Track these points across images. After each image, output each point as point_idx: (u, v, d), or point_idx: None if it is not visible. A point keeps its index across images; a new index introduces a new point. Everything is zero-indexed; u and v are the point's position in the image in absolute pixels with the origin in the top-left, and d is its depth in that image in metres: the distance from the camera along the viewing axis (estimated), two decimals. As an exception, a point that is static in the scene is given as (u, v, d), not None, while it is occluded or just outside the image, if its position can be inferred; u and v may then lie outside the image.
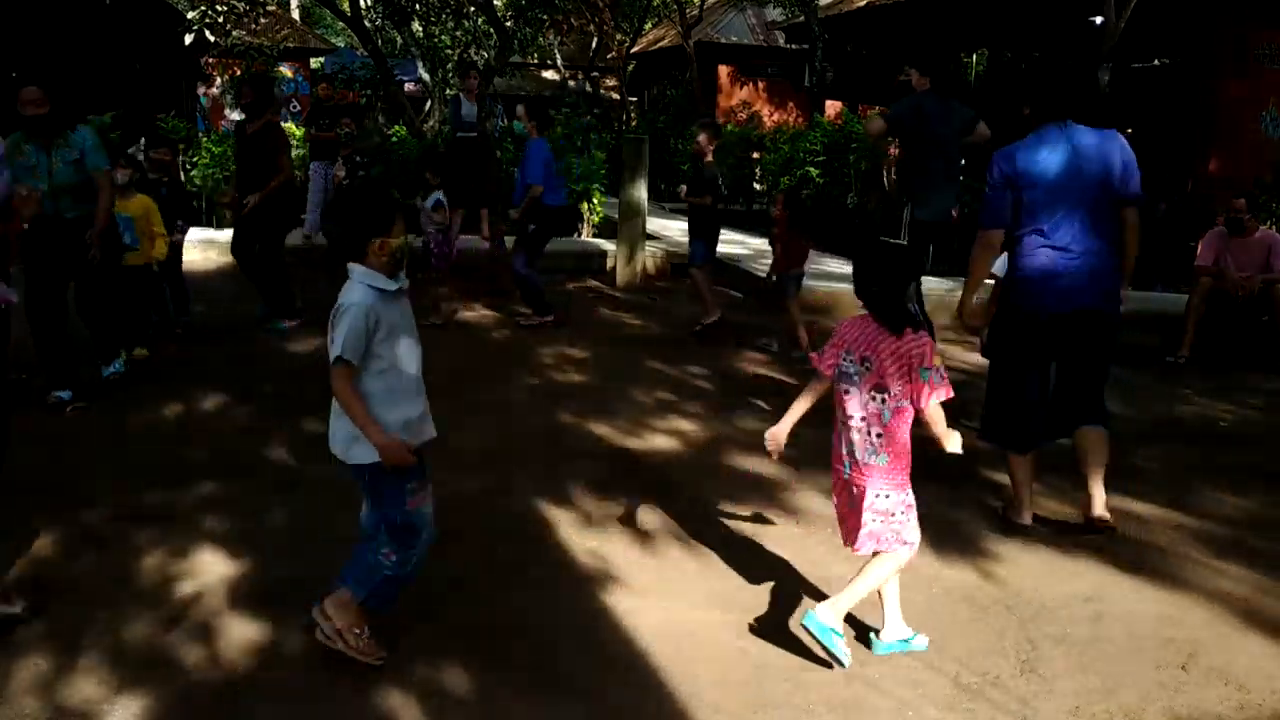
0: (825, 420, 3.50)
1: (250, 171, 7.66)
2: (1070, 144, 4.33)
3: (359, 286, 3.06)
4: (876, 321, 3.26)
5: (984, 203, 4.49)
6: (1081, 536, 4.40)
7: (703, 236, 8.08)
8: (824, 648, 3.21)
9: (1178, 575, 4.10)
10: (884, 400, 3.23)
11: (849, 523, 3.35)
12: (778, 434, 3.53)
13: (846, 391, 3.30)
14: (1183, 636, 3.62)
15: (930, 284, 6.57)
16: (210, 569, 3.86)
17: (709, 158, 8.01)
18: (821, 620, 3.20)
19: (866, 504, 3.25)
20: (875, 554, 3.30)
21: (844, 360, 3.31)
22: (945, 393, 3.22)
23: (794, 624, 3.59)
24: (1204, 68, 12.84)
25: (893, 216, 6.41)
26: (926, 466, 4.86)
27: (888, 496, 3.27)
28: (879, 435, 3.25)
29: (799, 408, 3.50)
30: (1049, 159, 4.31)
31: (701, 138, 8.05)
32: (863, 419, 3.27)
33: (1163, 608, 3.83)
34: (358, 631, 3.18)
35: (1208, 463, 5.46)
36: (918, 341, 3.21)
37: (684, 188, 8.27)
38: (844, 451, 3.32)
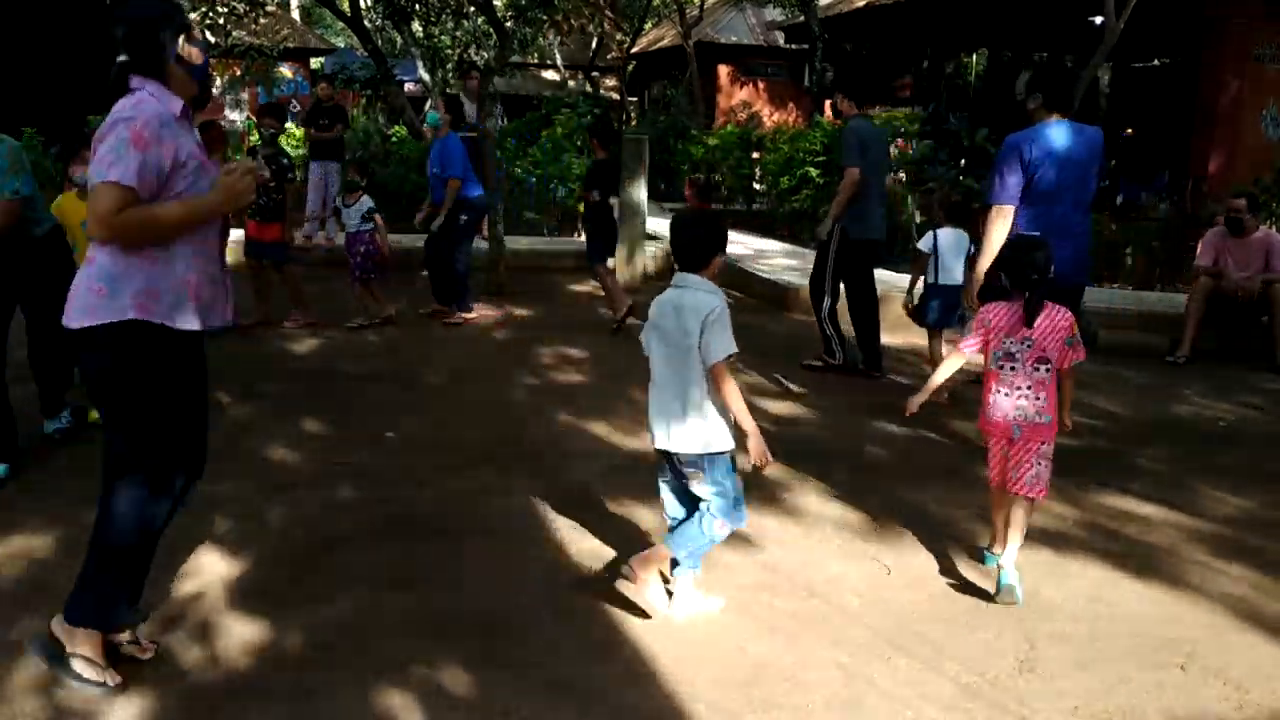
0: (825, 423, 3.50)
1: None
2: (1071, 134, 4.98)
3: (713, 293, 3.51)
4: (1025, 305, 3.78)
5: (1000, 182, 5.01)
6: (1077, 534, 4.41)
7: (600, 234, 8.27)
8: (1013, 597, 3.71)
9: (1177, 575, 4.10)
10: (1046, 370, 3.80)
11: (1021, 472, 3.82)
12: (914, 403, 3.99)
13: (1011, 368, 3.82)
14: (1182, 636, 3.62)
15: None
16: (210, 568, 3.86)
17: (601, 154, 8.38)
18: (1009, 574, 3.76)
19: (1040, 454, 3.81)
20: (1029, 501, 3.81)
21: (1006, 342, 3.82)
22: (1082, 354, 3.86)
23: (793, 623, 3.59)
24: (1203, 67, 12.85)
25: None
26: (926, 465, 4.88)
27: (1049, 446, 3.84)
28: (1044, 399, 3.78)
29: (938, 382, 4.10)
30: (1058, 146, 4.95)
31: (594, 141, 8.56)
32: (1029, 387, 3.80)
33: (1162, 608, 3.83)
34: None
35: (1207, 463, 5.46)
36: (1064, 315, 3.81)
37: (591, 194, 8.42)
38: (1009, 418, 3.82)
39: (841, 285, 6.96)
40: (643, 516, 4.49)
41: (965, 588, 3.93)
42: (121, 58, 2.93)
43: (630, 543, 4.22)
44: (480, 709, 3.06)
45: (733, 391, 3.45)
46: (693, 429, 3.49)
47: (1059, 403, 3.83)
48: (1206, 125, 12.57)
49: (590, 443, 5.45)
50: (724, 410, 3.50)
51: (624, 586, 3.61)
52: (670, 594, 3.62)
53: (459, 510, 4.50)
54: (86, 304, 2.93)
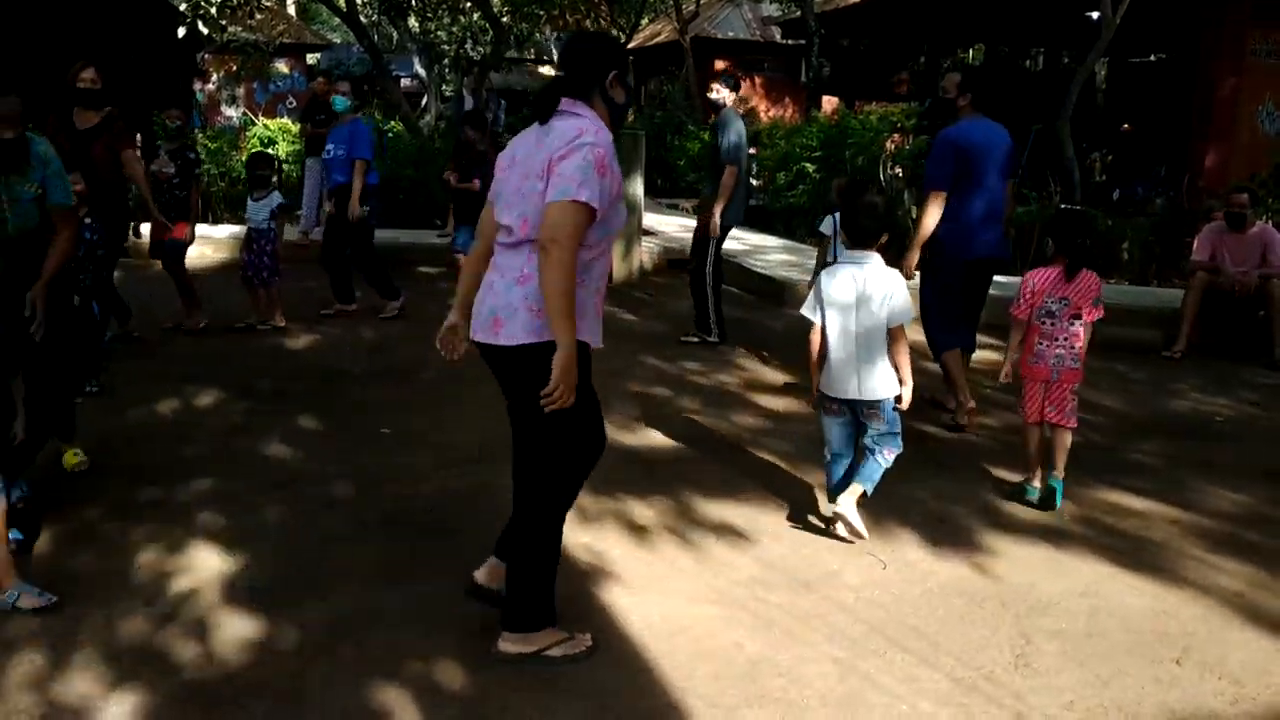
0: (816, 419, 3.50)
1: None
2: (993, 129, 5.72)
3: (890, 269, 4.22)
4: (1062, 271, 4.60)
5: (938, 170, 5.66)
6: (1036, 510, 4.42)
7: (471, 222, 8.18)
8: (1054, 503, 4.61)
9: (1173, 570, 4.10)
10: (1078, 324, 4.61)
11: (1061, 407, 4.65)
12: (1005, 372, 4.77)
13: (1051, 323, 4.63)
14: (1178, 631, 3.62)
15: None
16: (205, 565, 3.86)
17: (480, 147, 8.52)
18: (1061, 489, 4.65)
19: (1073, 390, 4.67)
20: (1068, 430, 4.67)
21: (1047, 301, 4.61)
22: (1102, 311, 4.68)
23: (789, 618, 3.59)
24: (1200, 63, 12.84)
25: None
26: (922, 461, 4.88)
27: (1078, 385, 4.70)
28: (1076, 348, 4.62)
29: (1014, 346, 4.79)
30: (985, 139, 5.66)
31: (469, 130, 8.64)
32: (1065, 339, 4.61)
33: (1158, 602, 3.83)
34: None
35: (1204, 458, 5.46)
36: (1091, 279, 4.62)
37: (452, 174, 8.52)
38: (1050, 364, 4.62)
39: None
40: (640, 511, 4.49)
41: (962, 583, 3.93)
42: (557, 74, 3.11)
43: (627, 538, 4.23)
44: (476, 705, 3.05)
45: (905, 348, 4.20)
46: (880, 379, 4.18)
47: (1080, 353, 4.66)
48: (1203, 121, 12.56)
49: (587, 438, 5.44)
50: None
51: (841, 526, 4.21)
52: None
53: (455, 507, 4.49)
54: (528, 323, 3.03)
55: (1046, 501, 4.62)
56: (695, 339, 7.68)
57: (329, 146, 8.15)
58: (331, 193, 8.23)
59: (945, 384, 5.97)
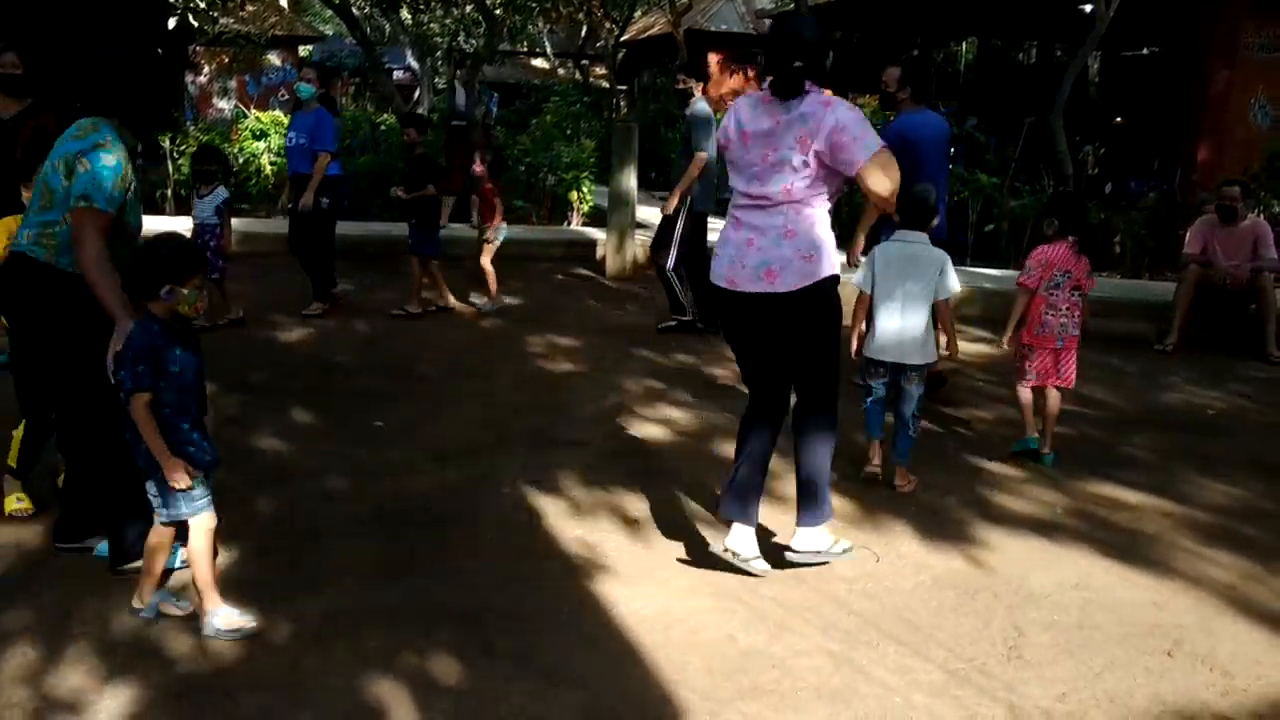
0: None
1: None
2: (936, 120, 6.09)
3: (936, 247, 4.77)
4: (1071, 247, 5.15)
5: None
6: (1065, 523, 4.43)
7: (428, 227, 8.17)
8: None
9: (1165, 562, 4.12)
10: (1078, 295, 5.15)
11: (1063, 371, 5.19)
12: (1006, 338, 5.28)
13: (1057, 295, 5.13)
14: (1169, 623, 3.64)
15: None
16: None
17: (420, 150, 8.41)
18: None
19: (1074, 354, 5.20)
20: (1061, 391, 5.26)
21: (1055, 274, 5.13)
22: (1095, 283, 5.31)
23: (782, 611, 3.60)
24: (1193, 56, 12.86)
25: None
26: (914, 453, 4.88)
27: (1076, 349, 5.23)
28: (1076, 317, 5.15)
29: (1016, 315, 5.23)
30: (929, 129, 5.97)
31: (412, 131, 8.48)
32: (1067, 308, 5.13)
33: (1149, 594, 3.85)
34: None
35: (1196, 451, 5.48)
36: (1087, 259, 5.20)
37: (399, 190, 8.28)
38: (1054, 332, 5.13)
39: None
40: (633, 504, 4.49)
41: (954, 575, 3.95)
42: (798, 63, 3.58)
43: (620, 531, 4.23)
44: (470, 698, 3.06)
45: (949, 318, 4.86)
46: (926, 346, 4.70)
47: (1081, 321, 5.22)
48: (1196, 114, 12.58)
49: (580, 431, 5.45)
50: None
51: (903, 488, 4.71)
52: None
53: (449, 500, 4.49)
54: (802, 269, 3.64)
55: (1035, 456, 5.17)
56: (673, 323, 7.78)
57: (290, 134, 7.96)
58: (289, 181, 8.05)
59: None
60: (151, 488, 3.31)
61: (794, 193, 3.64)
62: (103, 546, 3.75)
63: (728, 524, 3.87)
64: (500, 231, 8.38)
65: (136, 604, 3.42)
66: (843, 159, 3.58)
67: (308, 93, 7.83)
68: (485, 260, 8.35)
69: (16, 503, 4.12)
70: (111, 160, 3.45)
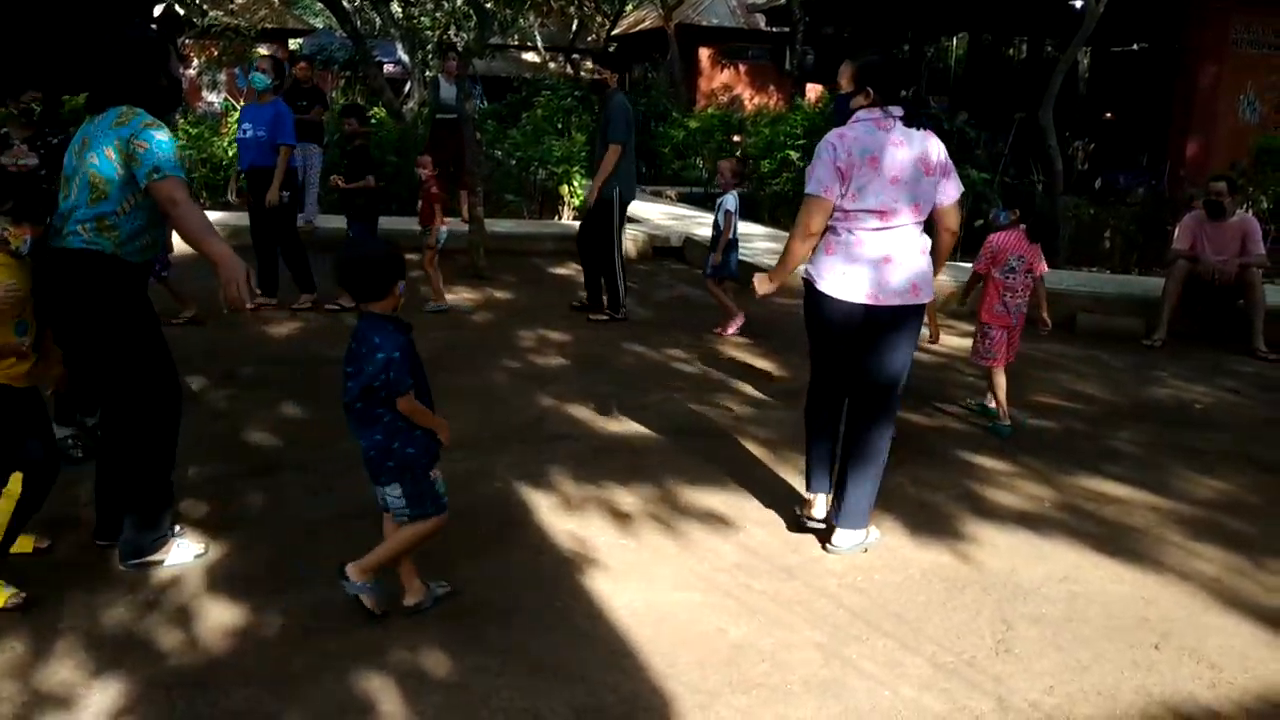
0: (801, 405, 3.51)
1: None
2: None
3: None
4: (1027, 235, 5.65)
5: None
6: (1052, 515, 4.45)
7: (366, 220, 8.17)
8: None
9: (1152, 556, 4.14)
10: (1031, 278, 5.64)
11: (1011, 349, 5.70)
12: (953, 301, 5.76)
13: (1012, 278, 5.60)
14: (1157, 616, 3.66)
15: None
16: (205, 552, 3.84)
17: (360, 141, 8.41)
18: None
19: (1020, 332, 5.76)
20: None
21: (1010, 259, 5.58)
22: (1046, 266, 5.77)
23: (772, 604, 3.61)
24: (1182, 52, 12.91)
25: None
26: (903, 447, 4.90)
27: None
28: (1027, 297, 5.67)
29: (967, 295, 6.00)
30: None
31: (352, 121, 8.46)
32: (1023, 290, 5.63)
33: (1137, 588, 3.87)
34: None
35: (1184, 445, 5.51)
36: (1039, 246, 5.69)
37: (338, 179, 8.28)
38: (1011, 311, 5.61)
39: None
40: (624, 498, 4.50)
41: (943, 569, 3.96)
42: (904, 92, 4.01)
43: (611, 525, 4.24)
44: (461, 692, 3.06)
45: (933, 309, 4.77)
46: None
47: (1039, 303, 5.77)
48: (1185, 110, 12.63)
49: (572, 425, 5.45)
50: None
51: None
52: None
53: (439, 493, 4.48)
54: (929, 284, 4.04)
55: (992, 426, 5.63)
56: (604, 317, 7.94)
57: (245, 125, 7.72)
58: (241, 174, 7.84)
59: None
60: (396, 490, 3.38)
61: (923, 213, 4.00)
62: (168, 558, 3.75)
63: (816, 496, 4.21)
64: (442, 234, 8.18)
65: (411, 600, 3.49)
66: (945, 190, 4.01)
67: (262, 83, 7.65)
68: (428, 263, 8.13)
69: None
70: (164, 135, 3.50)
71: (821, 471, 4.22)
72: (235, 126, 12.62)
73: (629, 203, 8.06)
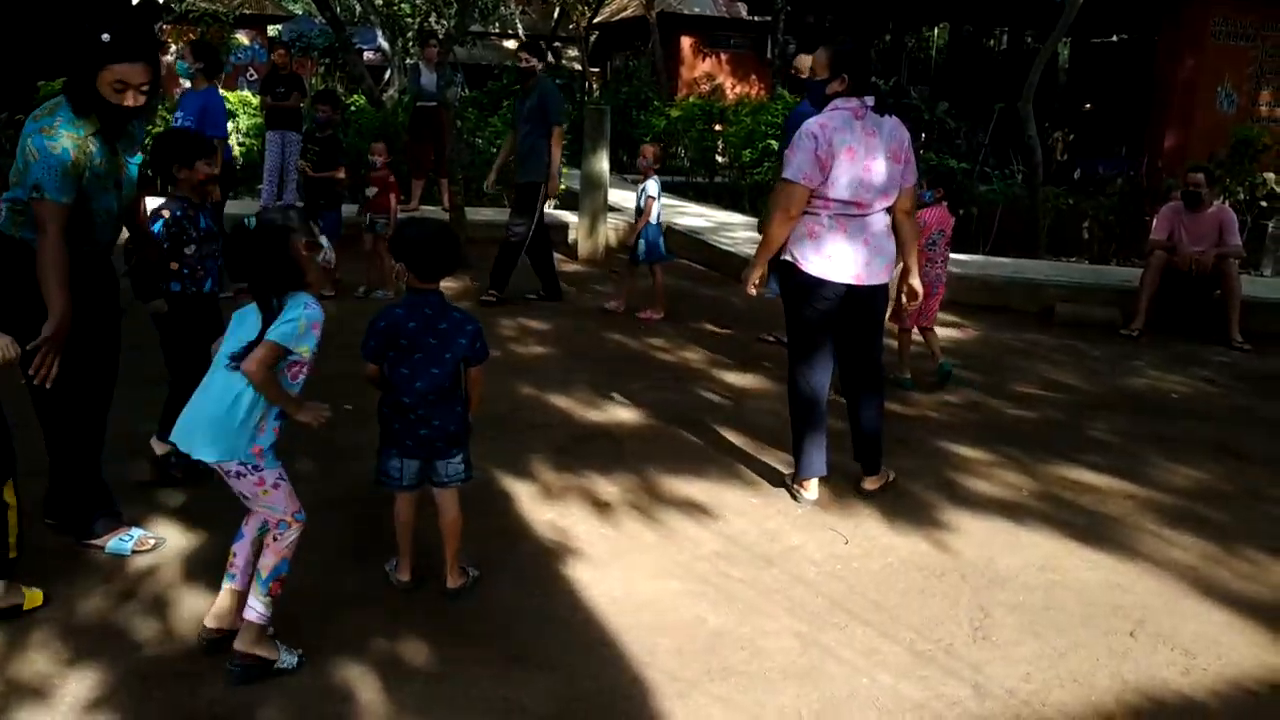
0: (783, 394, 3.51)
1: None
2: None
3: None
4: (948, 210, 6.33)
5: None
6: (1033, 505, 4.48)
7: (334, 208, 8.13)
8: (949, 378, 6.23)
9: (1129, 544, 4.17)
10: (947, 247, 6.33)
11: (930, 315, 6.27)
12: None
13: (933, 251, 6.10)
14: (1132, 604, 3.69)
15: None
16: (165, 541, 3.82)
17: (330, 131, 8.36)
18: (946, 361, 6.37)
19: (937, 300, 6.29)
20: (932, 330, 6.39)
21: (934, 233, 6.11)
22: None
23: (751, 592, 3.62)
24: (1161, 43, 12.96)
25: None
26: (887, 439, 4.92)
27: None
28: (944, 268, 6.35)
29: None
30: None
31: (326, 108, 8.38)
32: (942, 261, 6.26)
33: (1113, 576, 3.90)
34: None
35: (1160, 434, 5.55)
36: (953, 218, 6.37)
37: (305, 165, 8.26)
38: (930, 281, 5.81)
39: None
40: (603, 487, 4.50)
41: (921, 557, 3.98)
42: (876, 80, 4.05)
43: (590, 515, 4.24)
44: (440, 681, 3.06)
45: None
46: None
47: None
48: (1163, 101, 12.69)
49: (551, 415, 5.44)
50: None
51: None
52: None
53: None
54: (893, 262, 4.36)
55: (944, 379, 6.22)
56: (534, 296, 8.11)
57: (177, 114, 7.42)
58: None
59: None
60: (459, 456, 3.52)
61: (889, 199, 4.23)
62: (115, 543, 3.72)
63: (812, 479, 4.41)
64: (377, 223, 8.07)
65: (454, 583, 3.55)
66: (907, 175, 4.25)
67: (184, 70, 7.37)
68: (383, 249, 7.90)
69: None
70: (57, 146, 3.28)
71: (819, 454, 4.38)
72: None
73: (539, 183, 8.14)
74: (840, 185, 4.08)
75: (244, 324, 3.03)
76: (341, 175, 7.99)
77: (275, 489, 3.11)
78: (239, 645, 3.00)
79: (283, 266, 2.98)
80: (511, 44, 29.31)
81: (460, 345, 3.36)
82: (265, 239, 2.98)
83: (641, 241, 7.70)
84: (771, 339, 7.16)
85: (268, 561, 3.07)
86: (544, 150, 7.78)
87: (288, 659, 3.06)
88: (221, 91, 13.00)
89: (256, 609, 3.03)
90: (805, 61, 6.43)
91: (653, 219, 7.65)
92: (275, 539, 3.10)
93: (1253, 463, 5.18)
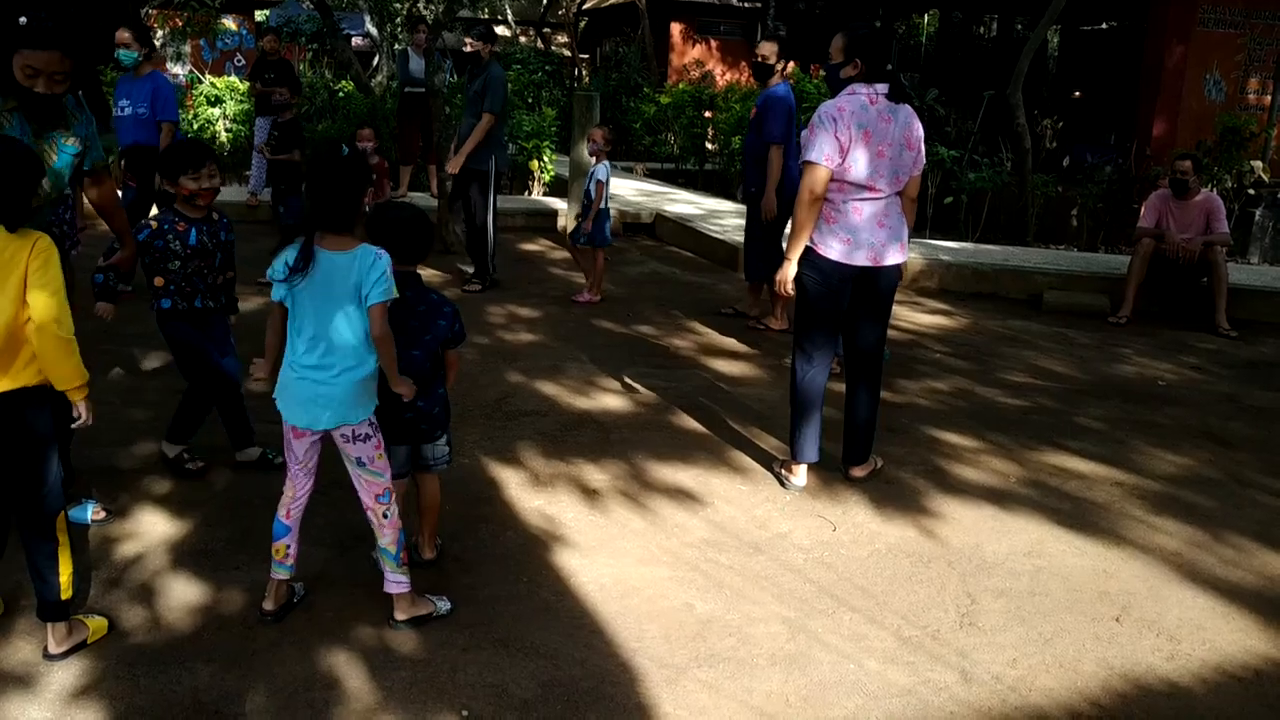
0: (772, 382, 3.51)
1: None
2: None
3: None
4: None
5: (782, 127, 6.68)
6: (1017, 490, 4.50)
7: (297, 193, 8.06)
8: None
9: (1115, 531, 4.19)
10: None
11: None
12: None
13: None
14: (1118, 590, 3.71)
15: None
16: (152, 530, 3.82)
17: (290, 114, 8.38)
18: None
19: None
20: None
21: None
22: None
23: (739, 579, 3.63)
24: (1150, 31, 12.96)
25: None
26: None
27: None
28: None
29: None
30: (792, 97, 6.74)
31: (284, 91, 8.40)
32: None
33: (1099, 562, 3.92)
34: None
35: (1147, 421, 5.57)
36: None
37: (263, 148, 8.26)
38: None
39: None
40: (592, 474, 4.50)
41: (909, 544, 3.99)
42: (890, 67, 4.16)
43: (579, 501, 4.24)
44: (427, 667, 3.06)
45: None
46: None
47: None
48: (1152, 88, 12.70)
49: (540, 402, 5.44)
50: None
51: None
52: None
53: (407, 470, 4.46)
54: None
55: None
56: (478, 287, 8.00)
57: (122, 102, 7.20)
58: (123, 154, 7.32)
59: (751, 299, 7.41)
60: (443, 438, 3.55)
61: (900, 184, 4.30)
62: (75, 511, 3.75)
63: (802, 465, 4.47)
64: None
65: (430, 554, 3.67)
66: (916, 163, 4.30)
67: (129, 59, 7.17)
68: None
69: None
70: None
71: (811, 441, 4.44)
72: (200, 99, 12.49)
73: (504, 173, 8.26)
74: (857, 169, 4.18)
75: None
76: (298, 159, 7.89)
77: (384, 457, 3.25)
78: (400, 615, 3.24)
79: (352, 200, 3.09)
80: (501, 30, 29.18)
81: (440, 327, 3.38)
82: (353, 168, 3.14)
83: (601, 224, 7.74)
84: (729, 311, 7.44)
85: (389, 537, 3.24)
86: (485, 134, 7.73)
87: (442, 605, 3.33)
88: (209, 77, 12.94)
89: (401, 581, 3.24)
90: (767, 49, 6.72)
91: (601, 204, 7.66)
92: (386, 515, 3.24)
93: (1238, 449, 5.21)
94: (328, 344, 3.10)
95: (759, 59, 6.79)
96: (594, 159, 7.77)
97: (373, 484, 3.23)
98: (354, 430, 3.16)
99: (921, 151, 4.32)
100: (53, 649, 3.00)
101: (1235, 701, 3.10)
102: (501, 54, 20.17)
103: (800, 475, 4.46)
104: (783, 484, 4.47)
